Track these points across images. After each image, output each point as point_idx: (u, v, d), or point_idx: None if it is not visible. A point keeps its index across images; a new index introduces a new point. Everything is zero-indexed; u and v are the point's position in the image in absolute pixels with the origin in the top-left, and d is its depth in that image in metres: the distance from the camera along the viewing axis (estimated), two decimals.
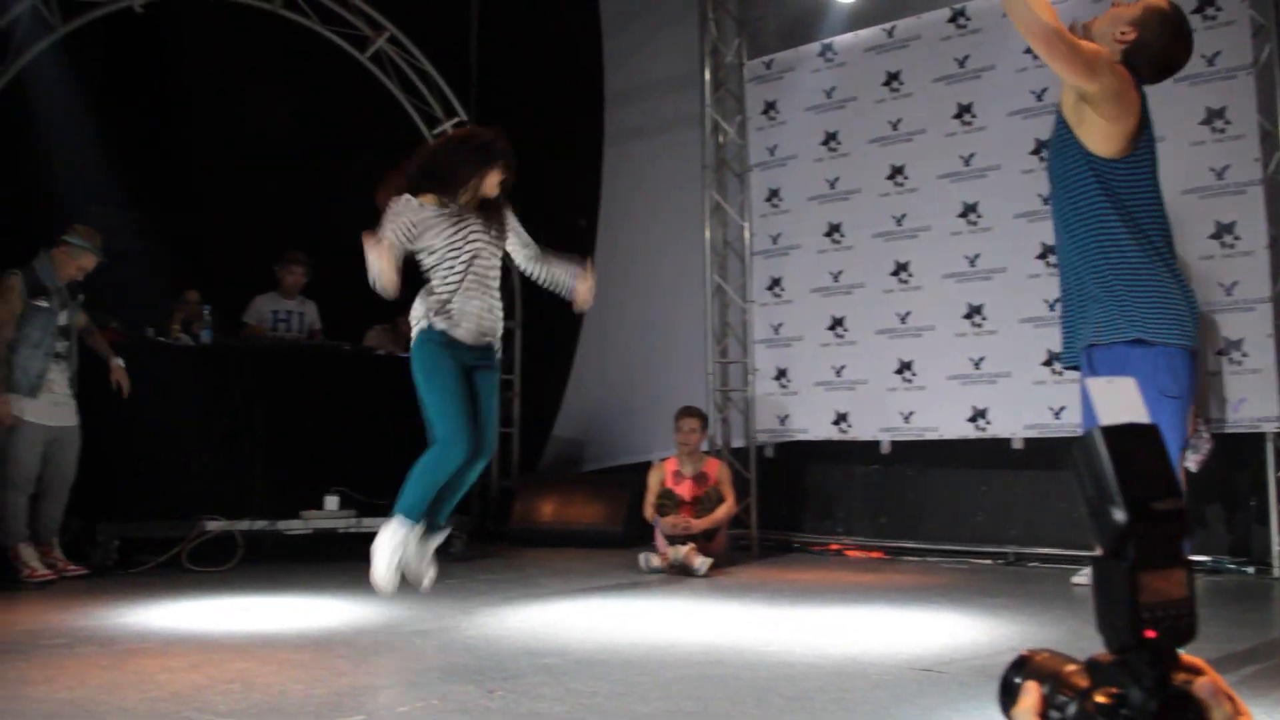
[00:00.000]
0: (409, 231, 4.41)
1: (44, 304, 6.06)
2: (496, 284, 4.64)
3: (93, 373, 6.38)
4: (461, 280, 4.48)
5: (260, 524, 6.74)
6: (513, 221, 4.79)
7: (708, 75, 8.23)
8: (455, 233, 4.49)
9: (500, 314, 4.68)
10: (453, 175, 4.50)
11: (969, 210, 7.17)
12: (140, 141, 8.03)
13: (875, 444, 7.65)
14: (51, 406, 6.11)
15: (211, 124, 8.49)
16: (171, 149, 8.33)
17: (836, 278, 7.78)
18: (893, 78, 7.54)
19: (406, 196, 4.46)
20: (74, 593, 5.56)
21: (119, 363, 6.39)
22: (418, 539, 4.35)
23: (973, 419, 7.12)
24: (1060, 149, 3.13)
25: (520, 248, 4.80)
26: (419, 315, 4.49)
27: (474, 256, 4.51)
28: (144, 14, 7.31)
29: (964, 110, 7.21)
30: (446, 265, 4.48)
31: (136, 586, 5.72)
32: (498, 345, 4.68)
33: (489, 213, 4.63)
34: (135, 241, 7.69)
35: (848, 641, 4.16)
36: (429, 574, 4.49)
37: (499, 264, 4.66)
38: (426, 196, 4.50)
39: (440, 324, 4.45)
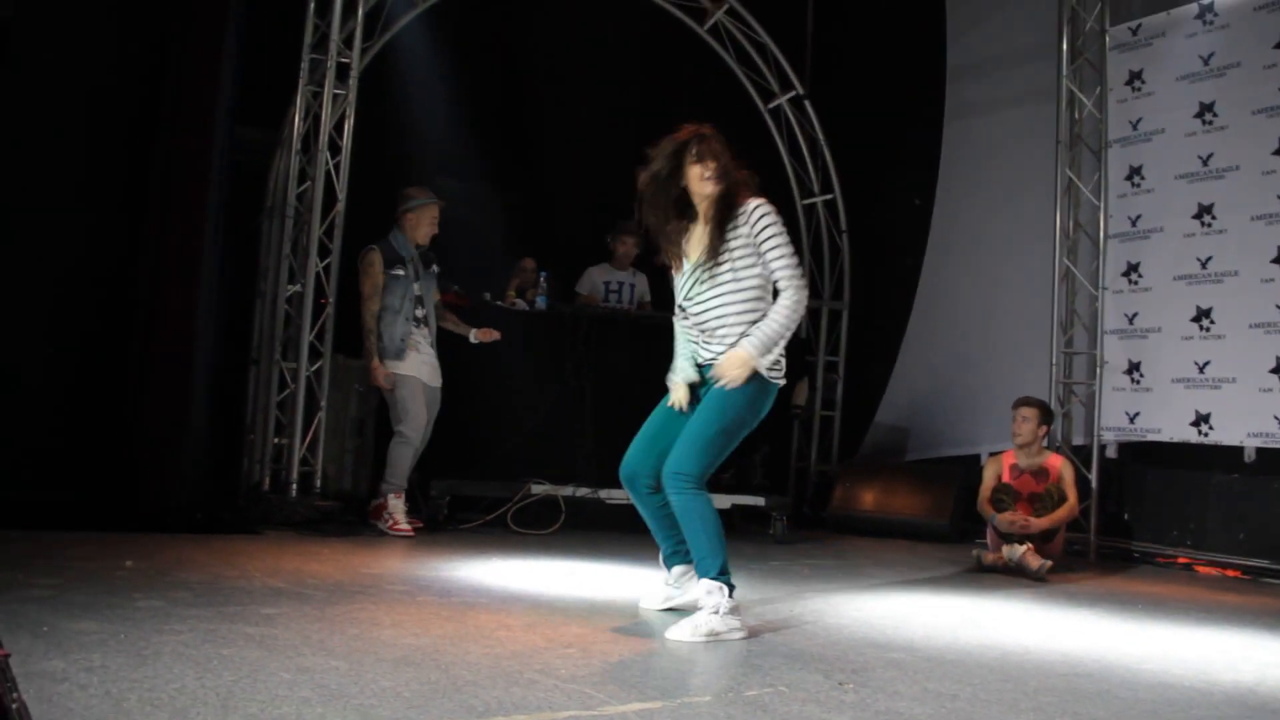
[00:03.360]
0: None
1: (400, 272, 6.34)
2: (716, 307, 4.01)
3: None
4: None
5: (583, 490, 6.78)
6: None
7: (1065, 44, 7.63)
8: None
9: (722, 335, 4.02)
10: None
11: None
12: (485, 114, 8.27)
13: (1238, 450, 6.89)
14: (421, 364, 6.38)
15: (553, 96, 8.66)
16: (514, 121, 8.56)
17: (1205, 264, 7.05)
18: None
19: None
20: (410, 544, 5.78)
21: (476, 333, 6.63)
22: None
23: None
24: None
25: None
26: None
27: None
28: None
29: None
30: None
31: (466, 542, 5.88)
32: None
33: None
34: (478, 211, 7.95)
35: (1234, 668, 3.68)
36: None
37: (722, 284, 3.99)
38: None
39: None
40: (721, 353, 3.97)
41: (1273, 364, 6.66)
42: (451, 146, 7.89)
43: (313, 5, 6.63)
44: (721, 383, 3.91)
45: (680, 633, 3.61)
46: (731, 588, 3.79)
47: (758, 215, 3.95)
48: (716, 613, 3.68)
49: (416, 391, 6.30)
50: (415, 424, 6.28)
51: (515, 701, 2.64)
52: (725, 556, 3.83)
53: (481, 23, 8.17)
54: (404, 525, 6.08)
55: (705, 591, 3.76)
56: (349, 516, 6.42)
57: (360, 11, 6.74)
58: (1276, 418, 6.63)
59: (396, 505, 6.15)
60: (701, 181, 3.98)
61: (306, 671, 2.80)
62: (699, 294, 4.02)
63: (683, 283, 4.10)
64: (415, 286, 6.40)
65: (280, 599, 3.82)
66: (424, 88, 7.85)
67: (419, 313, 6.42)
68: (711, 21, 8.50)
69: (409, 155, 7.71)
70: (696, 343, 4.11)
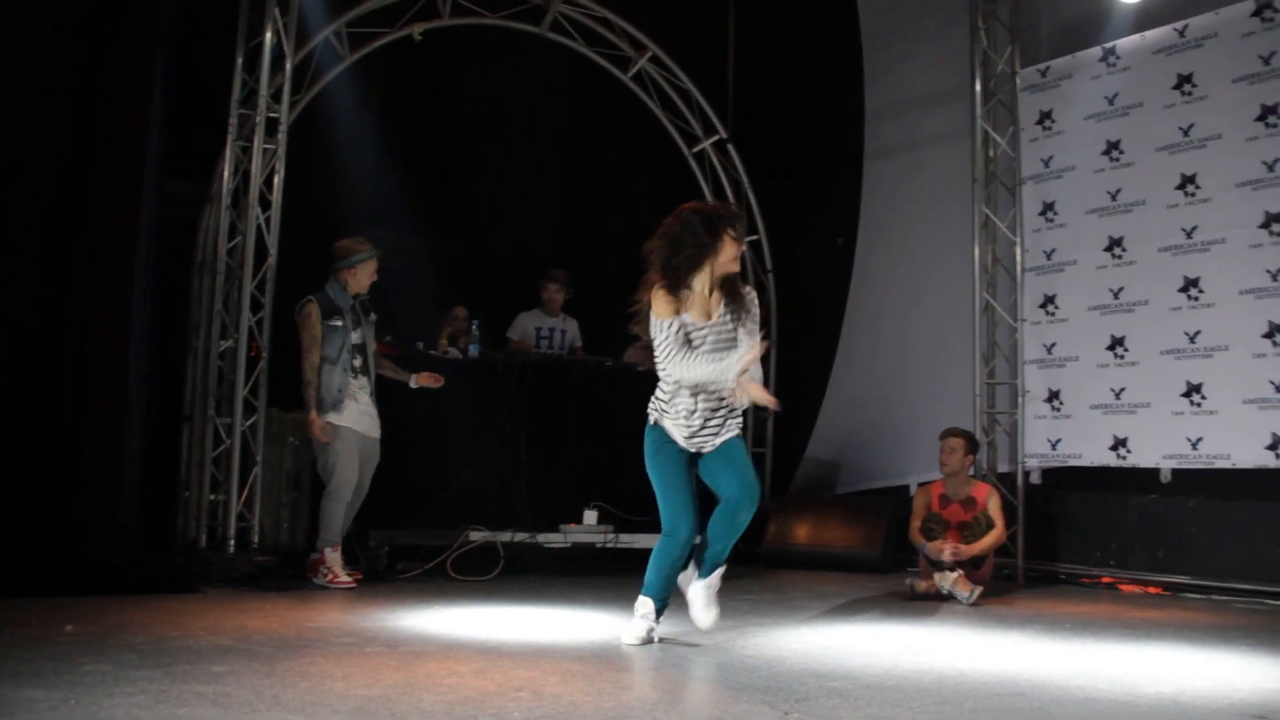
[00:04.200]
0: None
1: (337, 323, 6.33)
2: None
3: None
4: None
5: (521, 536, 6.83)
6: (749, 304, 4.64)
7: (978, 85, 7.91)
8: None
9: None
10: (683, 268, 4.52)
11: (1273, 220, 6.60)
12: (415, 164, 8.34)
13: (1154, 472, 7.14)
14: (359, 415, 6.37)
15: (482, 145, 8.75)
16: (444, 170, 8.63)
17: (1117, 295, 7.32)
18: (1184, 80, 7.04)
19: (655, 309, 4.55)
20: (352, 595, 5.78)
21: (416, 378, 6.64)
22: (698, 588, 4.62)
23: (1273, 446, 6.55)
24: None
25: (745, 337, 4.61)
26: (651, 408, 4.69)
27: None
28: (421, 41, 7.59)
29: (1269, 111, 6.64)
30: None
31: (406, 592, 5.89)
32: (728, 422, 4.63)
33: (725, 294, 4.60)
34: (409, 261, 8.00)
35: (1156, 680, 3.84)
36: (705, 616, 4.59)
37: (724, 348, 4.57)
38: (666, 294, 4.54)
39: (662, 421, 4.64)
40: (716, 409, 4.55)
41: (1184, 388, 6.93)
42: (382, 197, 7.95)
43: (240, 60, 6.68)
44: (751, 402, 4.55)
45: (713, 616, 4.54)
46: None
47: (752, 299, 4.62)
48: None
49: (349, 446, 6.26)
50: (344, 479, 6.23)
51: None
52: None
53: (409, 74, 8.26)
54: (344, 578, 6.07)
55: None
56: (288, 571, 6.39)
57: (288, 66, 6.80)
58: (1189, 439, 6.90)
59: (334, 558, 6.14)
60: (733, 260, 4.54)
61: None
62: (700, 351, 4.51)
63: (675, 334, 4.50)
64: (354, 335, 6.41)
65: (229, 656, 3.82)
66: (353, 139, 7.92)
67: (356, 362, 6.41)
68: (635, 69, 8.67)
69: (340, 207, 7.75)
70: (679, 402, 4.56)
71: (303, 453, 7.00)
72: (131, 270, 6.16)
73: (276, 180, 6.75)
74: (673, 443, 4.59)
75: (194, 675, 3.45)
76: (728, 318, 4.53)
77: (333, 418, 6.24)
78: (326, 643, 4.24)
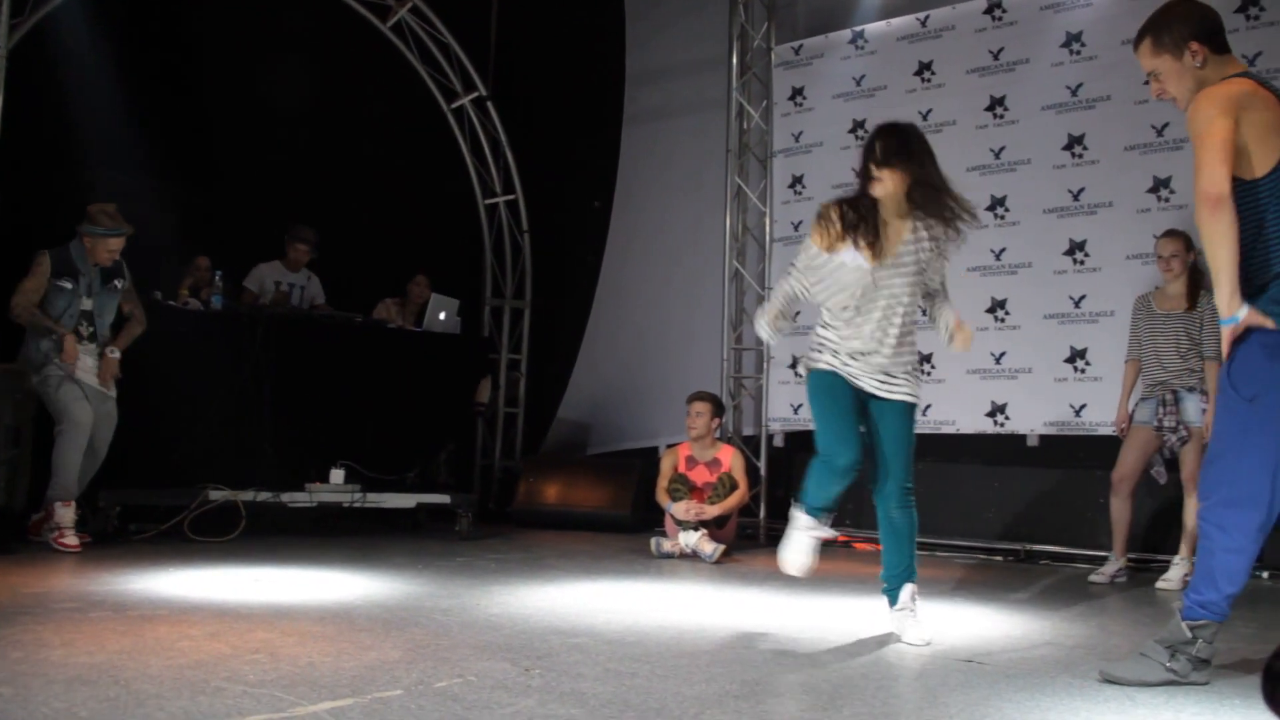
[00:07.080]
0: None
1: (66, 285, 5.96)
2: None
3: None
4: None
5: (264, 495, 6.59)
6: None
7: (735, 59, 8.13)
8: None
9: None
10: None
11: (996, 204, 7.09)
12: (155, 106, 7.85)
13: None
14: (83, 373, 5.99)
15: (228, 90, 8.32)
16: (186, 114, 8.17)
17: None
18: (924, 68, 7.44)
19: None
20: (78, 559, 5.45)
21: (112, 353, 6.22)
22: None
23: (991, 414, 7.05)
24: None
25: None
26: None
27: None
28: None
29: (996, 103, 7.12)
30: None
31: (139, 554, 5.60)
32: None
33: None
34: (147, 207, 7.55)
35: (881, 631, 4.07)
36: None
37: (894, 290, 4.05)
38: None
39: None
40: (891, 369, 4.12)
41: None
42: (117, 138, 7.44)
43: None
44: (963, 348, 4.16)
45: (924, 635, 3.80)
46: None
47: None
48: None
49: (73, 391, 5.92)
50: (74, 420, 5.87)
51: (203, 710, 2.59)
52: None
53: (151, 9, 7.76)
54: (71, 540, 5.70)
55: (912, 595, 3.93)
56: (6, 533, 5.97)
57: None
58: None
59: (65, 514, 5.74)
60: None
61: None
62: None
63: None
64: (86, 302, 6.03)
65: None
66: (86, 73, 7.38)
67: (84, 329, 6.04)
68: (395, 19, 8.46)
69: (73, 146, 7.23)
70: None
71: (25, 407, 6.52)
72: None
73: None
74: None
75: None
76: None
77: (46, 370, 5.87)
78: (45, 609, 3.98)
